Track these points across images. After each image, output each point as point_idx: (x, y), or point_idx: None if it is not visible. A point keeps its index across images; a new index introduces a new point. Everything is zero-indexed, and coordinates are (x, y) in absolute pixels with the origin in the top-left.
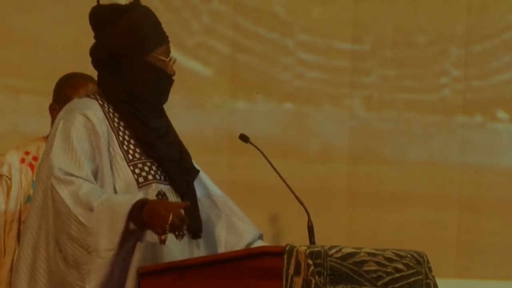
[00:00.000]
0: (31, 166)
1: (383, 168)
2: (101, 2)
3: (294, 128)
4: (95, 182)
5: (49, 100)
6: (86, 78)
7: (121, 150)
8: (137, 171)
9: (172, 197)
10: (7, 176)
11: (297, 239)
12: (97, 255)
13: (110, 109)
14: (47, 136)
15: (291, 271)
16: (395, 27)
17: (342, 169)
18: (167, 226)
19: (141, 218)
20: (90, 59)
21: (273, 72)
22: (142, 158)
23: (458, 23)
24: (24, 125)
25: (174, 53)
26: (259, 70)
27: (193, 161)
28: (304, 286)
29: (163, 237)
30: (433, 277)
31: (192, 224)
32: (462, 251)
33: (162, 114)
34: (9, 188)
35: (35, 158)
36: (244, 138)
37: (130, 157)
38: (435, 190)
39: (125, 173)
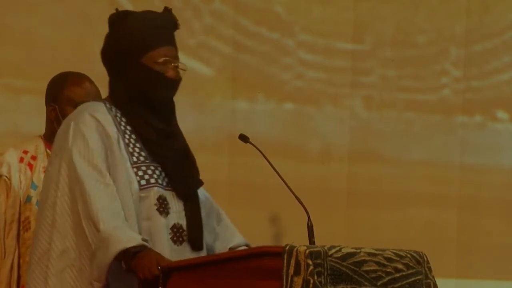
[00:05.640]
0: (30, 165)
1: (383, 168)
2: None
3: (295, 128)
4: (114, 186)
5: None
6: (82, 76)
7: (126, 152)
8: (140, 173)
9: (174, 203)
10: (6, 176)
11: (297, 239)
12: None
13: (118, 114)
14: (44, 135)
15: (291, 271)
16: (395, 27)
17: (342, 169)
18: (150, 276)
19: (131, 261)
20: (90, 59)
21: (274, 72)
22: (147, 161)
23: (458, 23)
24: (24, 125)
25: None
26: (260, 70)
27: None
28: (304, 286)
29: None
30: (433, 277)
31: (193, 234)
32: (462, 251)
33: (170, 120)
34: (8, 188)
35: (33, 157)
36: (243, 138)
37: (135, 159)
38: (435, 190)
39: (128, 175)
